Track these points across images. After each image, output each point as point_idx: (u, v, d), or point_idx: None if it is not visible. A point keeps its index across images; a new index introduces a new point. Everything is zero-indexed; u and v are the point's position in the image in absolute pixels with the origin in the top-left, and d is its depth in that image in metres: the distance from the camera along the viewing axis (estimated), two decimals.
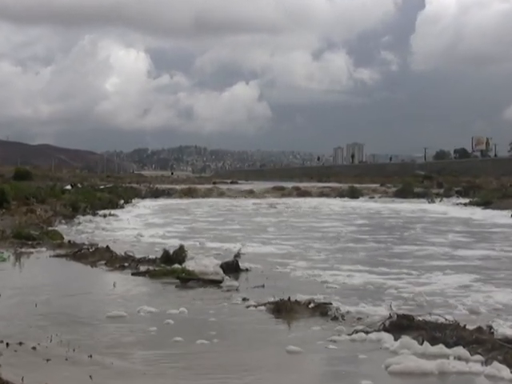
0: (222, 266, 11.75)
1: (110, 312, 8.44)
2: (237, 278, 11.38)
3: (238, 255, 12.54)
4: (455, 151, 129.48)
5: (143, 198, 47.54)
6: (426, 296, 9.59)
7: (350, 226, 24.33)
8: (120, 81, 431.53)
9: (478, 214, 30.82)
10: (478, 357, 6.45)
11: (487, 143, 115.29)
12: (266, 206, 39.08)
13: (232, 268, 11.96)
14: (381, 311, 8.43)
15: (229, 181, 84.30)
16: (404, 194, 50.03)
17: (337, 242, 18.38)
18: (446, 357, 6.45)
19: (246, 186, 61.46)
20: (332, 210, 34.91)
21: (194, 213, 32.43)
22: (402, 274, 12.04)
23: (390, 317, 7.65)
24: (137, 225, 23.71)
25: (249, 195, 51.20)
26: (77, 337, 7.22)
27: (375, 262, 13.79)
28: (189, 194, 51.70)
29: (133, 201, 41.38)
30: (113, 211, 29.32)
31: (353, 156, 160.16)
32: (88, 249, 14.45)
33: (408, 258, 14.65)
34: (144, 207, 36.93)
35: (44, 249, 15.17)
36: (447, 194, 48.99)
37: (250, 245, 16.88)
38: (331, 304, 8.77)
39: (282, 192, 53.73)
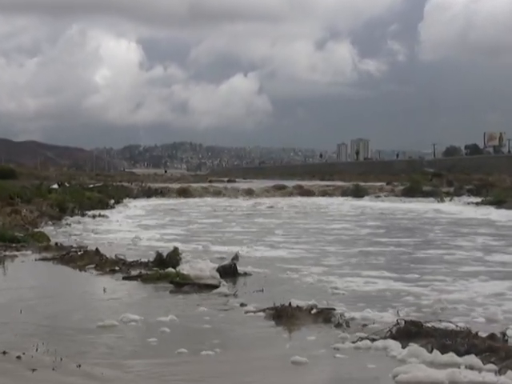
0: (218, 270, 11.75)
1: (101, 319, 8.43)
2: (235, 283, 11.38)
3: (235, 258, 12.54)
4: (466, 147, 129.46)
5: (135, 197, 47.53)
6: (447, 303, 9.46)
7: (363, 227, 24.06)
8: (110, 73, 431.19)
9: (494, 213, 30.60)
10: (491, 366, 6.44)
11: (500, 138, 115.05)
12: (266, 205, 39.00)
13: (230, 272, 11.96)
14: (388, 317, 8.42)
15: (226, 179, 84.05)
16: (412, 192, 50.01)
17: (353, 245, 18.09)
18: (457, 366, 6.45)
19: (244, 185, 61.29)
20: (339, 210, 34.86)
21: (190, 214, 32.40)
22: (433, 281, 11.72)
23: (398, 323, 7.63)
24: (129, 226, 23.70)
25: (248, 194, 51.20)
26: (64, 346, 7.21)
27: (400, 268, 13.53)
28: (183, 193, 51.70)
29: (124, 201, 41.39)
30: (102, 212, 29.41)
31: (357, 152, 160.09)
32: (76, 252, 14.46)
33: (436, 264, 14.30)
34: (136, 207, 36.94)
35: (29, 252, 15.16)
36: (458, 193, 48.97)
37: (258, 248, 16.78)
38: (335, 310, 8.77)
39: (282, 191, 53.70)
